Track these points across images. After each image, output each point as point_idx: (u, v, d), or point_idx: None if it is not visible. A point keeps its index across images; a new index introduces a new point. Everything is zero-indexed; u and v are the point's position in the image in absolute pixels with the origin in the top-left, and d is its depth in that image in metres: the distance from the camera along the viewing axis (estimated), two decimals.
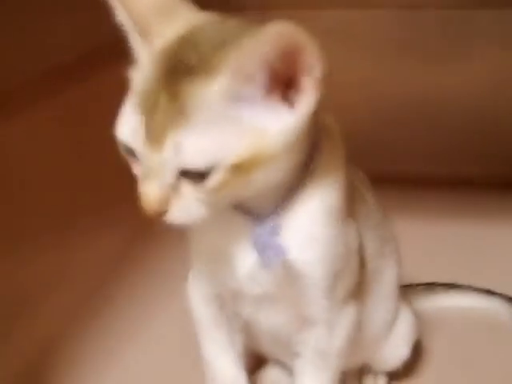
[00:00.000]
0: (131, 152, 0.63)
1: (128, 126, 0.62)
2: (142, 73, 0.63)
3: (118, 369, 1.09)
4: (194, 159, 0.60)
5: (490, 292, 1.20)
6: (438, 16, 1.53)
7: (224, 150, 0.59)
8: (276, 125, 0.60)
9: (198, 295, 0.83)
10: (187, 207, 0.63)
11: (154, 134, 0.60)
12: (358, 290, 0.81)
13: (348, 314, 0.79)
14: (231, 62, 0.58)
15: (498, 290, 1.20)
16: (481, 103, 1.61)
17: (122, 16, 0.65)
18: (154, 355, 1.13)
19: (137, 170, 0.65)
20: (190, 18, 0.66)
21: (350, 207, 0.76)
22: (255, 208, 0.71)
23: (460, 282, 1.22)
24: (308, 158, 0.70)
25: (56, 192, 1.22)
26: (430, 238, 1.41)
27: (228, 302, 0.81)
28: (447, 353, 1.09)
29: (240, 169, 0.60)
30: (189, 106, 0.59)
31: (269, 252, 0.70)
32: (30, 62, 1.12)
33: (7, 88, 1.07)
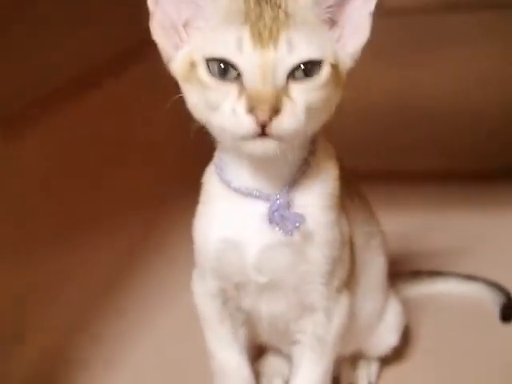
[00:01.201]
0: (223, 73, 0.68)
1: (227, 41, 0.68)
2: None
3: (128, 366, 1.12)
4: (307, 50, 0.68)
5: (472, 277, 1.26)
6: (410, 21, 1.59)
7: (325, 44, 0.70)
8: (350, 44, 0.74)
9: (201, 292, 0.88)
10: (296, 112, 0.68)
11: (264, 36, 0.67)
12: (350, 281, 0.86)
13: (342, 304, 0.85)
14: None
15: (481, 276, 1.26)
16: (455, 101, 1.67)
17: None
18: (162, 351, 1.16)
19: (231, 90, 0.68)
20: None
21: (343, 199, 0.82)
22: (266, 188, 0.77)
23: (444, 269, 1.28)
24: (309, 152, 0.78)
25: (66, 196, 1.23)
26: (416, 229, 1.46)
27: (231, 296, 0.86)
28: (434, 336, 1.15)
29: (335, 71, 0.71)
30: (290, 10, 0.69)
31: (287, 222, 0.75)
32: (40, 77, 1.14)
33: (20, 102, 1.09)
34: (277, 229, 0.75)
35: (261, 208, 0.77)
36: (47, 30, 1.14)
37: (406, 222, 1.45)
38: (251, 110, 0.66)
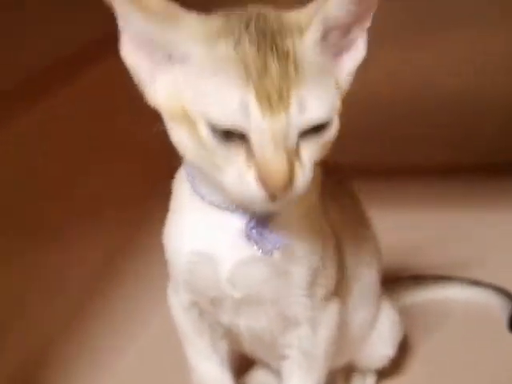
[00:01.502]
0: (226, 137, 0.60)
1: (229, 105, 0.59)
2: (225, 47, 0.61)
3: (116, 367, 1.11)
4: (318, 112, 0.61)
5: (478, 283, 1.21)
6: (413, 5, 1.53)
7: (333, 97, 0.63)
8: (348, 68, 0.68)
9: (176, 304, 0.84)
10: (307, 174, 0.62)
11: (276, 100, 0.59)
12: (339, 290, 0.81)
13: (330, 314, 0.80)
14: (317, 14, 0.62)
15: (487, 281, 1.21)
16: (462, 90, 1.61)
17: None
18: (152, 353, 1.14)
19: (237, 154, 0.61)
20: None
21: (328, 205, 0.78)
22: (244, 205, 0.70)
23: (448, 273, 1.22)
24: None
25: (54, 193, 1.21)
26: (417, 230, 1.40)
27: (206, 309, 0.81)
28: (437, 345, 1.10)
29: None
30: (299, 63, 0.61)
31: (266, 241, 0.70)
32: (30, 58, 1.12)
33: (10, 85, 1.06)
34: (255, 247, 0.70)
35: (237, 223, 0.71)
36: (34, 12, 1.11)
37: (409, 217, 1.40)
38: (262, 181, 0.60)
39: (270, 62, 0.59)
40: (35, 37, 1.14)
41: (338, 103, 0.64)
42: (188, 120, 0.62)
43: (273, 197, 0.60)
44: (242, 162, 0.61)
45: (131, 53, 0.63)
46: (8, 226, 1.09)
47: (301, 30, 0.62)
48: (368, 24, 0.67)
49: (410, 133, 1.63)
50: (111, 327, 1.20)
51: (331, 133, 0.64)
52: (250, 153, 0.60)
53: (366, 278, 0.90)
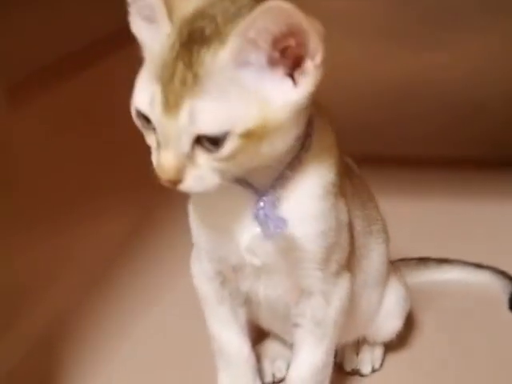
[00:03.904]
0: (146, 122, 0.67)
1: (145, 95, 0.66)
2: (160, 44, 0.67)
3: (124, 352, 1.11)
4: (208, 125, 0.63)
5: (480, 265, 1.24)
6: (424, 4, 1.56)
7: (235, 116, 0.63)
8: (280, 98, 0.65)
9: (200, 273, 0.88)
10: (202, 176, 0.67)
11: (170, 102, 0.64)
12: (350, 265, 0.85)
13: (342, 286, 0.84)
14: (239, 30, 0.62)
15: (488, 264, 1.24)
16: (464, 86, 1.64)
17: None
18: (164, 331, 1.15)
19: (151, 140, 0.69)
20: None
21: (342, 183, 0.80)
22: (256, 181, 0.75)
23: (451, 256, 1.26)
24: (303, 134, 0.74)
25: (60, 179, 1.24)
26: (422, 216, 1.45)
27: (229, 277, 0.85)
28: (441, 324, 1.14)
29: (250, 137, 0.64)
30: (202, 73, 0.63)
31: (270, 224, 0.74)
32: (42, 50, 1.14)
33: (21, 75, 1.08)
34: (258, 228, 0.75)
35: (251, 199, 0.76)
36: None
37: (414, 210, 1.43)
38: (155, 169, 0.68)
39: (178, 68, 0.64)
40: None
41: (246, 123, 0.64)
42: None
43: (167, 184, 0.67)
44: (153, 146, 0.69)
45: (138, 26, 0.71)
46: (25, 207, 1.12)
47: (221, 42, 0.63)
48: (312, 63, 0.64)
49: (418, 128, 1.67)
50: (124, 308, 1.22)
51: (225, 151, 0.65)
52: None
53: (374, 255, 0.93)
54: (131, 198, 1.37)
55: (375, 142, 1.62)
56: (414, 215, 1.43)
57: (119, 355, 1.10)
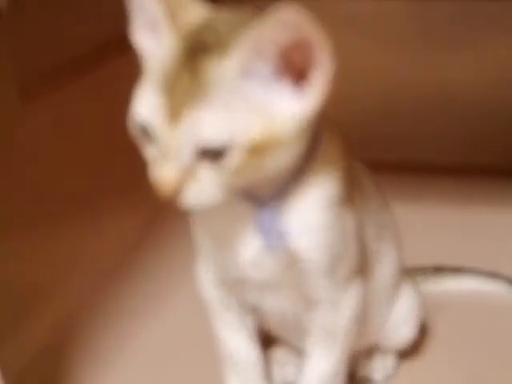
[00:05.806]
0: (145, 133, 0.64)
1: (147, 106, 0.63)
2: (163, 55, 0.65)
3: (134, 353, 1.10)
4: (211, 137, 0.61)
5: (495, 275, 1.23)
6: (448, 7, 1.55)
7: (239, 128, 0.61)
8: (286, 110, 0.63)
9: (206, 279, 0.86)
10: (202, 190, 0.64)
11: (173, 112, 0.61)
12: (362, 271, 0.83)
13: (352, 294, 0.82)
14: (245, 39, 0.60)
15: (503, 273, 1.23)
16: (489, 93, 1.63)
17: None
18: (169, 338, 1.14)
19: (150, 152, 0.65)
20: (208, 9, 0.68)
21: (350, 193, 0.78)
22: (258, 193, 0.73)
23: (466, 265, 1.24)
24: (310, 146, 0.72)
25: (70, 178, 1.23)
26: (436, 224, 1.43)
27: (234, 288, 0.83)
28: (455, 333, 1.12)
29: (254, 151, 0.62)
30: (206, 83, 0.61)
31: (272, 237, 0.72)
32: (50, 52, 1.15)
33: (30, 74, 1.09)
34: (261, 242, 0.74)
35: (254, 210, 0.74)
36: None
37: (428, 216, 1.42)
38: (152, 182, 0.65)
39: (182, 79, 0.62)
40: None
41: (251, 136, 0.61)
42: None
43: (163, 198, 0.64)
44: (150, 160, 0.65)
45: (141, 35, 0.69)
46: (35, 207, 1.12)
47: (226, 52, 0.61)
48: (320, 75, 0.61)
49: (430, 133, 1.66)
50: (133, 310, 1.21)
51: (228, 164, 0.62)
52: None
53: (387, 261, 0.91)
54: (141, 198, 1.37)
55: (397, 149, 1.60)
56: (429, 222, 1.42)
57: (128, 356, 1.10)
